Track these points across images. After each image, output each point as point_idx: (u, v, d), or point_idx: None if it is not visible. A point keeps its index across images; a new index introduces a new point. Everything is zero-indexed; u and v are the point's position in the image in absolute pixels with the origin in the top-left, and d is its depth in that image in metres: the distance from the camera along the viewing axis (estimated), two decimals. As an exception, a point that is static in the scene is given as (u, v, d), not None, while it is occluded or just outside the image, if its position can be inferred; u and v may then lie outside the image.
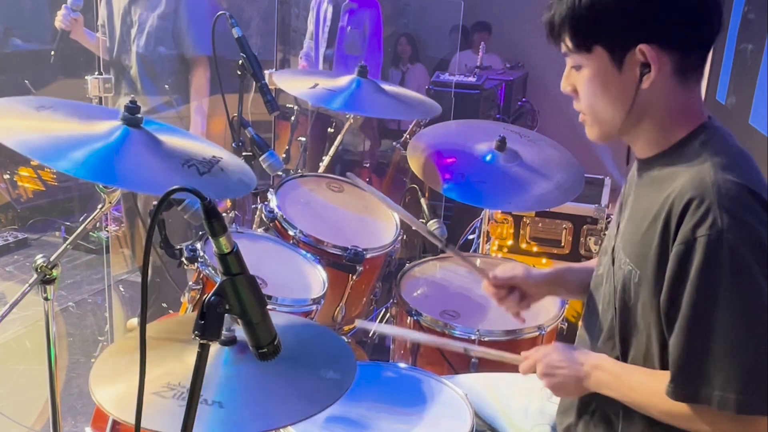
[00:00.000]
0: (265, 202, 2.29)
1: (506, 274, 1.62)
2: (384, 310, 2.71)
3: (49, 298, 1.61)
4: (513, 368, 1.56)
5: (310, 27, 4.56)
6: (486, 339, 2.04)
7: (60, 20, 3.12)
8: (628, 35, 1.20)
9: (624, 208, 1.40)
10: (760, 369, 1.13)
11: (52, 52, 3.16)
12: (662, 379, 1.22)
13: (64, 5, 3.11)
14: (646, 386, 1.27)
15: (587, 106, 1.30)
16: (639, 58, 1.21)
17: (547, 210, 2.98)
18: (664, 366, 1.24)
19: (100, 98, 3.13)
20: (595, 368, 1.35)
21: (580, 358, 1.38)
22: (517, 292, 1.62)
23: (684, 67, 1.23)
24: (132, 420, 1.04)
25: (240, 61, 2.36)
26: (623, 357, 1.33)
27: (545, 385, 1.42)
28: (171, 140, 1.63)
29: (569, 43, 1.26)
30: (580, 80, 1.29)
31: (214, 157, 1.62)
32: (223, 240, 1.02)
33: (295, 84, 2.60)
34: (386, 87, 2.61)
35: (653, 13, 1.18)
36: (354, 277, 2.22)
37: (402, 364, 1.90)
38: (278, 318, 1.17)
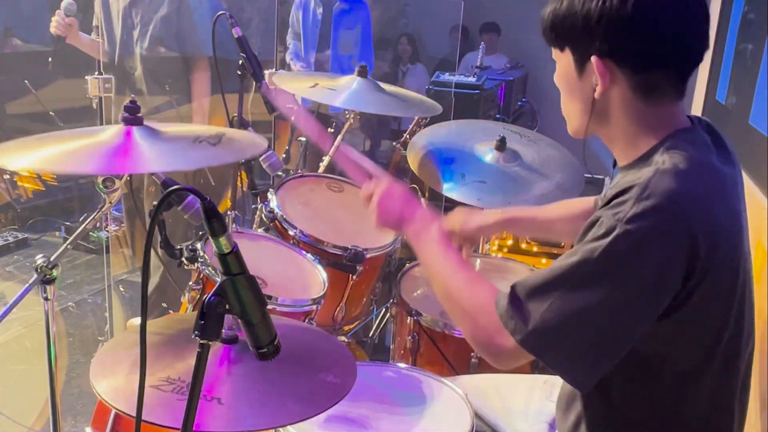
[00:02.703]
0: (265, 202, 2.30)
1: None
2: (384, 310, 2.71)
3: (49, 298, 1.61)
4: (513, 369, 1.56)
5: (296, 28, 4.55)
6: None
7: (55, 26, 3.13)
8: (586, 44, 1.24)
9: None
10: (561, 327, 1.17)
11: (50, 59, 3.17)
12: (472, 277, 1.34)
13: (58, 11, 3.11)
14: (456, 272, 1.37)
15: (562, 100, 1.37)
16: (594, 69, 1.24)
17: (547, 210, 2.98)
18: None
19: (100, 98, 3.14)
20: (423, 221, 1.47)
21: (419, 205, 1.51)
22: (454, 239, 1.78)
23: (648, 85, 1.24)
24: (131, 412, 1.05)
25: (240, 61, 2.36)
26: None
27: (375, 206, 1.54)
28: (174, 129, 1.64)
29: (548, 37, 1.33)
30: (556, 75, 1.35)
31: (218, 132, 1.62)
32: (223, 240, 1.02)
33: (295, 84, 2.60)
34: (386, 87, 2.61)
35: (611, 29, 1.21)
36: (354, 277, 2.22)
37: (402, 364, 1.90)
38: (279, 321, 1.17)
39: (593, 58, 1.23)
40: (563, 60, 1.30)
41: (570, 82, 1.31)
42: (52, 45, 3.20)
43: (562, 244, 2.98)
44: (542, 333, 1.18)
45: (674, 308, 1.17)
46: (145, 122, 1.56)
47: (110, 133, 1.50)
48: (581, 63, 1.26)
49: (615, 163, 1.42)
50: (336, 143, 3.08)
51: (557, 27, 1.28)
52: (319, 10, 4.41)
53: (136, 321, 3.47)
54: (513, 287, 1.24)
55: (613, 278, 1.14)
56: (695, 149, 1.24)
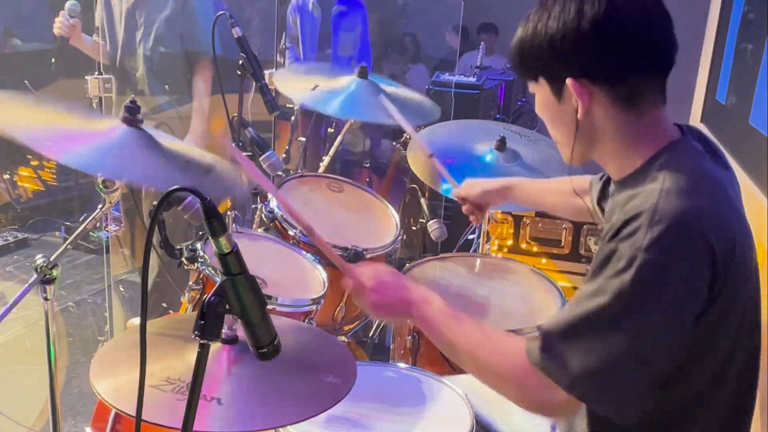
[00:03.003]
0: (265, 202, 2.29)
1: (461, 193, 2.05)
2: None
3: (49, 298, 1.61)
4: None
5: (293, 32, 4.55)
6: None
7: (58, 27, 3.12)
8: (557, 69, 1.25)
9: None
10: (605, 368, 1.14)
11: (53, 59, 3.17)
12: (491, 334, 1.29)
13: (61, 12, 3.11)
14: (476, 336, 1.31)
15: (549, 131, 1.37)
16: (572, 91, 1.24)
17: (547, 210, 2.98)
18: None
19: (100, 98, 3.14)
20: (424, 300, 1.38)
21: (410, 285, 1.41)
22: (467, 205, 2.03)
23: (626, 95, 1.24)
24: (131, 412, 1.05)
25: (240, 61, 2.36)
26: None
27: (367, 302, 1.41)
28: (170, 144, 1.64)
29: (520, 71, 1.33)
30: (537, 106, 1.35)
31: (210, 164, 1.63)
32: (223, 240, 1.02)
33: (295, 85, 2.59)
34: (387, 88, 2.59)
35: (577, 48, 1.21)
36: (354, 277, 2.22)
37: (402, 364, 1.90)
38: (279, 322, 1.17)
39: (568, 81, 1.23)
40: (540, 90, 1.31)
41: (551, 110, 1.31)
42: (53, 44, 3.20)
43: (562, 243, 2.98)
44: (587, 377, 1.15)
45: (699, 318, 1.17)
46: (146, 122, 1.56)
47: (108, 125, 1.51)
48: (557, 88, 1.27)
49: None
50: (336, 143, 3.09)
51: (526, 59, 1.29)
52: (317, 13, 4.41)
53: (137, 321, 3.47)
54: (541, 333, 1.20)
55: (644, 308, 1.13)
56: (692, 161, 1.24)
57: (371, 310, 1.43)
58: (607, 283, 1.15)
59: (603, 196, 1.63)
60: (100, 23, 3.34)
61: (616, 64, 1.22)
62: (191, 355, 1.03)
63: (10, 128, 1.38)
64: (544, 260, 3.04)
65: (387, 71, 5.57)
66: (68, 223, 4.79)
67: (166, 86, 3.34)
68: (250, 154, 2.31)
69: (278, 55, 4.47)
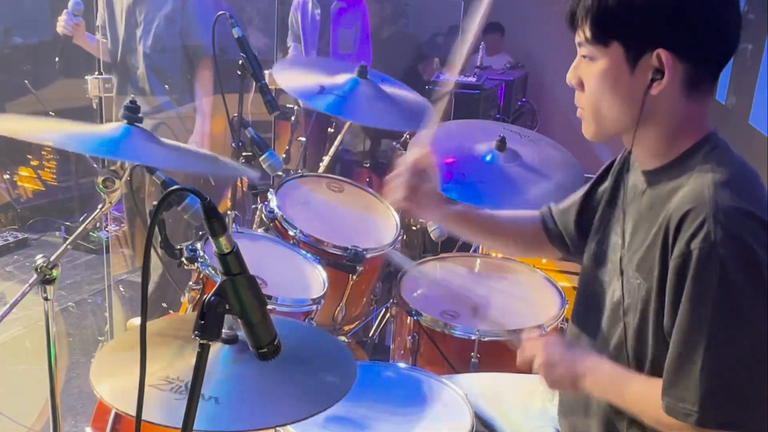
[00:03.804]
0: (265, 202, 2.29)
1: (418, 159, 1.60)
2: (384, 310, 2.71)
3: (49, 298, 1.61)
4: (514, 368, 1.56)
5: (295, 30, 4.55)
6: (486, 339, 2.03)
7: (62, 26, 3.11)
8: (648, 37, 1.18)
9: (627, 218, 1.37)
10: (729, 384, 1.12)
11: (57, 59, 3.16)
12: (656, 388, 1.22)
13: (65, 10, 3.10)
14: (639, 394, 1.27)
15: (592, 101, 1.27)
16: (653, 63, 1.18)
17: (547, 210, 2.98)
18: None
19: (100, 98, 3.13)
20: (593, 370, 1.34)
21: (579, 356, 1.38)
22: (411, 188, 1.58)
23: (695, 79, 1.21)
24: (131, 411, 1.05)
25: (240, 61, 2.36)
26: (638, 371, 1.31)
27: (542, 377, 1.41)
28: (171, 143, 1.65)
29: (587, 33, 1.23)
30: (590, 73, 1.26)
31: (213, 155, 1.64)
32: (223, 240, 1.02)
33: (296, 81, 2.58)
34: (387, 89, 2.58)
35: (678, 20, 1.16)
36: (354, 277, 2.22)
37: (402, 364, 1.90)
38: (279, 321, 1.17)
39: (660, 51, 1.17)
40: (607, 57, 1.22)
41: (617, 80, 1.22)
42: (57, 50, 3.18)
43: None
44: (713, 402, 1.13)
45: None
46: (146, 121, 1.56)
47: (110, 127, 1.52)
48: (636, 58, 1.20)
49: (627, 167, 1.39)
50: (336, 143, 3.08)
51: (606, 20, 1.20)
52: (317, 11, 4.41)
53: (137, 321, 3.47)
54: (685, 416, 1.16)
55: (743, 306, 1.11)
56: (732, 153, 1.23)
57: (547, 386, 1.42)
58: (690, 292, 1.12)
59: (583, 210, 1.58)
60: (102, 21, 3.34)
61: (712, 46, 1.18)
62: (191, 355, 1.03)
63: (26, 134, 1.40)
64: (544, 260, 3.04)
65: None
66: (68, 223, 4.78)
67: (166, 86, 3.33)
68: (249, 154, 2.31)
69: (281, 54, 4.47)
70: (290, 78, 2.57)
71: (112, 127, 1.53)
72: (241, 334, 1.16)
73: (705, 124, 1.26)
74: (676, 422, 1.18)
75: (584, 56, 1.26)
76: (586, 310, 1.47)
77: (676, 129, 1.24)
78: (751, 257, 1.10)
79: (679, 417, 1.16)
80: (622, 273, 1.33)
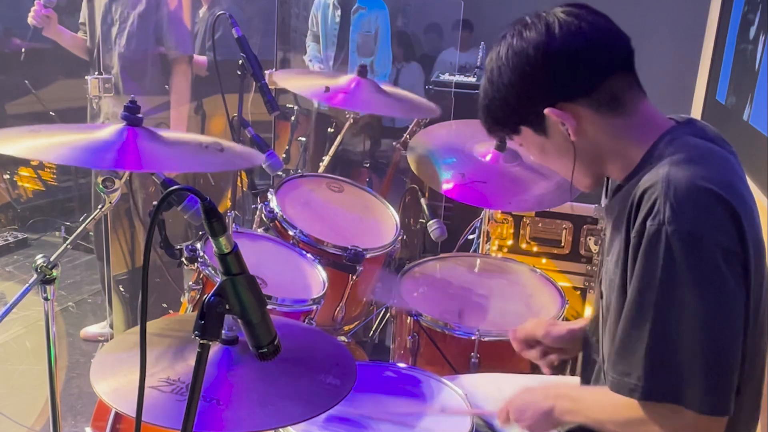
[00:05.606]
0: (265, 202, 2.29)
1: (523, 333, 1.67)
2: (384, 310, 2.71)
3: (49, 298, 1.61)
4: (514, 368, 1.56)
5: (314, 30, 4.55)
6: (486, 339, 2.03)
7: (32, 16, 3.03)
8: (530, 109, 1.26)
9: (604, 242, 1.40)
10: (671, 360, 1.14)
11: (23, 50, 3.10)
12: (612, 393, 1.23)
13: (37, 1, 3.02)
14: (600, 402, 1.28)
15: (555, 169, 1.39)
16: (554, 120, 1.25)
17: (547, 210, 2.98)
18: None
19: (100, 98, 3.12)
20: (557, 398, 1.37)
21: (541, 393, 1.40)
22: (539, 348, 1.64)
23: (607, 100, 1.24)
24: (131, 412, 1.05)
25: (240, 61, 2.36)
26: None
27: (522, 428, 1.44)
28: (174, 135, 1.64)
29: (499, 134, 1.37)
30: (532, 154, 1.38)
31: (216, 141, 1.63)
32: (223, 240, 1.02)
33: (302, 84, 2.59)
34: (386, 87, 2.60)
35: (539, 81, 1.23)
36: (354, 277, 2.22)
37: (402, 364, 1.90)
38: (279, 321, 1.17)
39: (546, 111, 1.24)
40: (526, 138, 1.32)
41: (545, 149, 1.32)
42: (54, 44, 3.15)
43: (562, 243, 2.98)
44: (657, 376, 1.14)
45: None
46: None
47: (109, 131, 1.50)
48: (540, 125, 1.28)
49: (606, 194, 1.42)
50: (336, 143, 3.08)
51: (498, 117, 1.31)
52: (338, 13, 4.41)
53: (91, 330, 3.52)
54: (632, 391, 1.18)
55: (690, 280, 1.11)
56: (693, 139, 1.23)
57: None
58: (638, 271, 1.14)
59: None
60: (84, 18, 3.27)
61: (584, 75, 1.22)
62: (191, 356, 1.03)
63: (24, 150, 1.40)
64: (544, 260, 3.04)
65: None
66: (68, 223, 4.79)
67: (141, 88, 3.22)
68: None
69: (281, 54, 4.47)
70: (296, 81, 2.60)
71: (112, 131, 1.52)
72: (241, 335, 1.16)
73: (659, 124, 1.28)
74: (633, 412, 1.19)
75: (520, 145, 1.39)
76: (596, 326, 1.49)
77: (625, 143, 1.27)
78: (696, 235, 1.11)
79: (624, 392, 1.18)
80: (601, 295, 1.36)
